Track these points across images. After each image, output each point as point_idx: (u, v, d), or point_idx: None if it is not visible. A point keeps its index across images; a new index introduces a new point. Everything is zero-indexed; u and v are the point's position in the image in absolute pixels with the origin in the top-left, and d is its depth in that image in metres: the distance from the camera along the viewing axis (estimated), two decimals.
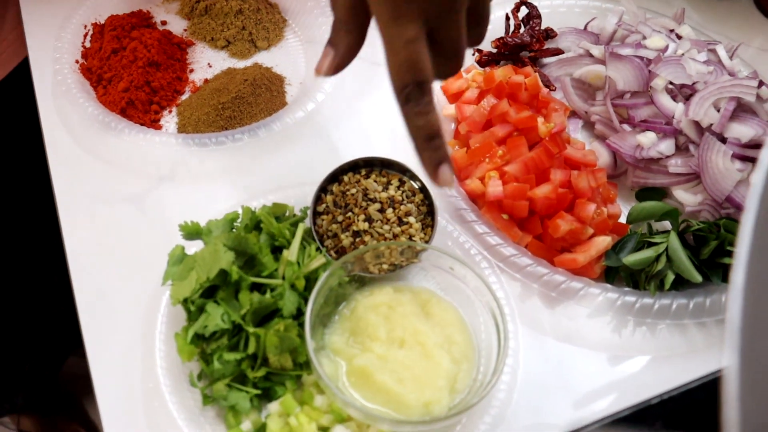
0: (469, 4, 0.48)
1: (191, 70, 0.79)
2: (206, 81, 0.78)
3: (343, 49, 0.51)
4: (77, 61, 0.75)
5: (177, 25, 0.83)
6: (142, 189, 0.69)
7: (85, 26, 0.78)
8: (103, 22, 0.79)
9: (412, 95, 0.48)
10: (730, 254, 0.67)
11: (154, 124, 0.74)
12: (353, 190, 0.66)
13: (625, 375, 0.63)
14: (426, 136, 0.49)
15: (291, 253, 0.60)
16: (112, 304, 0.62)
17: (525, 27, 0.84)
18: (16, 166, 0.94)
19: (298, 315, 0.58)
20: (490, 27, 0.85)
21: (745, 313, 0.22)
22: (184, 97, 0.77)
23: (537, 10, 0.84)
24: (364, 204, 0.65)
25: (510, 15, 0.85)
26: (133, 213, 0.68)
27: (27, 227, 1.05)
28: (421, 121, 0.49)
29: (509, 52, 0.83)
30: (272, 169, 0.72)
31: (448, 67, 0.51)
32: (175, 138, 0.70)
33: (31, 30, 0.80)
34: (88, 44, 0.78)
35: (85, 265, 0.64)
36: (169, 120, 0.75)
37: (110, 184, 0.69)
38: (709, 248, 0.66)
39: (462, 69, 0.77)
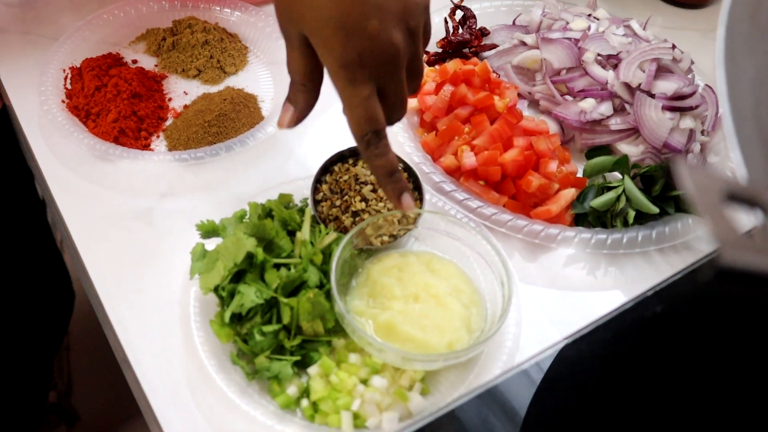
0: (407, 63, 0.59)
1: (170, 99, 0.85)
2: (186, 107, 0.84)
3: (301, 105, 0.61)
4: (63, 101, 0.80)
5: (147, 62, 0.89)
6: (146, 205, 0.74)
7: (64, 70, 0.83)
8: (78, 65, 0.84)
9: (371, 141, 0.59)
10: (675, 188, 0.77)
11: (146, 148, 0.79)
12: (345, 177, 0.73)
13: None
14: (387, 172, 0.61)
15: (304, 234, 0.67)
16: (139, 306, 0.66)
17: (463, 27, 0.94)
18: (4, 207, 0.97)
19: (320, 287, 0.64)
20: (432, 31, 0.96)
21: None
22: (168, 122, 0.82)
23: (471, 11, 0.95)
24: (357, 187, 0.72)
25: (448, 19, 0.95)
26: (141, 226, 0.72)
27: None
28: (381, 161, 0.60)
29: (453, 50, 0.92)
30: (266, 173, 0.78)
31: (395, 114, 0.61)
32: (172, 155, 0.75)
33: (9, 81, 0.84)
34: (69, 86, 0.82)
35: (107, 276, 0.68)
36: (159, 144, 0.80)
37: (115, 205, 0.74)
38: (658, 185, 0.76)
39: None
